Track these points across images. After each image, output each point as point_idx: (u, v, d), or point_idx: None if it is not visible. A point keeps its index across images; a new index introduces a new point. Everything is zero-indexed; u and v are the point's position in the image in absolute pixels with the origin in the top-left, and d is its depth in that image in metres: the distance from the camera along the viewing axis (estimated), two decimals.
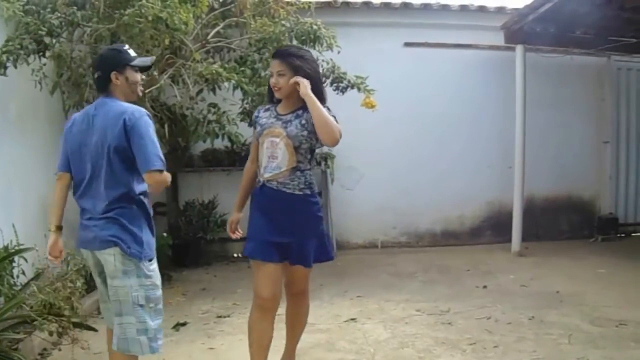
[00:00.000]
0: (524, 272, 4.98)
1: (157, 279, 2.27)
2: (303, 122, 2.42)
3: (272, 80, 2.45)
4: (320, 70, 2.63)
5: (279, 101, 2.53)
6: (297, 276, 2.58)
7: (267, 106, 2.59)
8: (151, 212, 2.33)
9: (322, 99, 2.43)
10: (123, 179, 2.18)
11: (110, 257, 2.16)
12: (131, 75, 2.31)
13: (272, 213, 2.44)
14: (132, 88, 2.33)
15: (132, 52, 2.36)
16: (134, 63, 2.31)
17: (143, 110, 2.23)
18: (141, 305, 2.18)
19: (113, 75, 2.26)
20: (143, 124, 2.16)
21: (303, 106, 2.42)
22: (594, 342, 3.21)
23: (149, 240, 2.25)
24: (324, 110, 2.36)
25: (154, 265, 2.27)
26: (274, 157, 2.42)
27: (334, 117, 2.41)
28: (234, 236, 2.68)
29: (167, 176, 2.18)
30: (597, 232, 6.46)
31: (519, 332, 3.44)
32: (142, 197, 2.23)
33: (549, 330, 3.43)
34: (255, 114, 2.62)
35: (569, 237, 6.46)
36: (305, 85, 2.37)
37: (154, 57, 2.56)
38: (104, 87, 2.29)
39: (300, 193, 2.43)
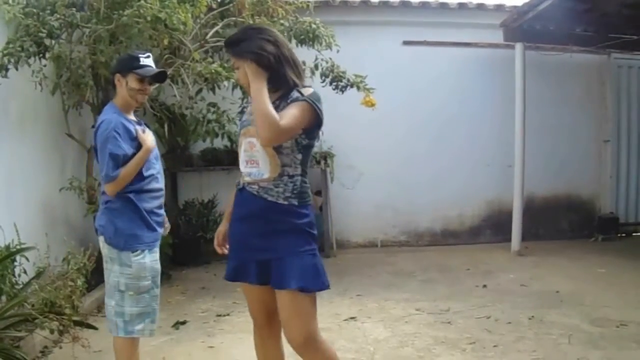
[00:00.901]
0: (524, 271, 4.98)
1: (143, 270, 2.39)
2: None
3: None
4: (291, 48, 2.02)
5: None
6: (285, 314, 1.99)
7: None
8: (150, 205, 2.43)
9: (280, 78, 1.95)
10: None
11: (101, 244, 2.43)
12: (131, 82, 2.39)
13: (251, 223, 2.02)
14: (130, 94, 2.41)
15: (145, 61, 2.41)
16: (137, 71, 2.38)
17: (108, 121, 2.33)
18: (121, 291, 2.39)
19: (116, 77, 2.42)
20: (101, 140, 2.32)
21: (283, 95, 1.96)
22: (594, 342, 3.20)
23: (136, 234, 2.38)
24: (262, 98, 1.87)
25: (139, 257, 2.37)
26: (253, 162, 2.00)
27: (312, 102, 1.93)
28: (220, 251, 2.21)
29: (112, 188, 2.33)
30: (597, 232, 6.44)
31: (519, 331, 3.43)
32: (130, 194, 2.37)
33: (548, 330, 3.43)
34: (240, 110, 2.27)
35: (569, 237, 6.45)
36: (248, 66, 1.91)
37: (159, 70, 2.53)
38: (113, 88, 2.47)
39: (285, 202, 1.97)
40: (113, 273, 2.40)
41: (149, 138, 2.46)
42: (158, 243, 2.53)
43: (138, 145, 2.40)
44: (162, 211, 2.56)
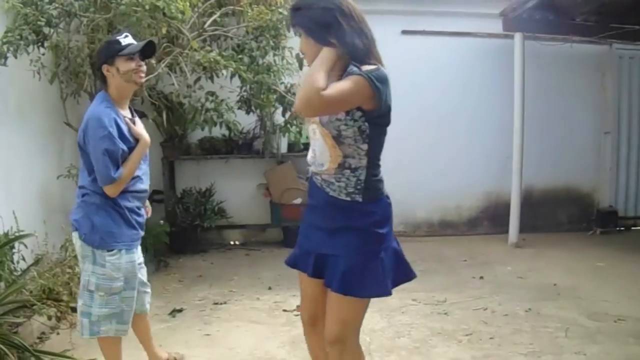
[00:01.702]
0: (521, 263, 4.98)
1: (117, 271, 2.30)
2: None
3: None
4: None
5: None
6: (328, 309, 1.94)
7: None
8: (132, 204, 2.35)
9: (345, 48, 1.74)
10: (88, 171, 2.30)
11: (75, 240, 2.35)
12: (122, 65, 2.28)
13: (315, 215, 1.96)
14: (126, 78, 2.30)
15: (125, 41, 2.30)
16: (122, 52, 2.27)
17: (99, 119, 2.22)
18: (90, 291, 2.31)
19: (104, 68, 2.31)
20: (94, 138, 2.22)
21: (344, 74, 1.75)
22: (592, 336, 3.21)
23: (114, 232, 2.29)
24: (313, 67, 1.71)
25: (114, 257, 2.29)
26: (314, 151, 1.88)
27: (370, 78, 1.70)
28: None
29: (114, 189, 2.25)
30: (595, 225, 6.40)
31: (516, 324, 3.45)
32: None
33: (545, 323, 3.44)
34: None
35: (567, 230, 6.42)
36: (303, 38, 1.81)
37: (146, 41, 2.40)
38: (103, 80, 2.36)
39: (347, 199, 1.83)
40: (84, 272, 2.31)
41: (143, 131, 2.39)
42: (138, 244, 2.43)
43: (132, 140, 2.33)
44: (143, 211, 2.47)
